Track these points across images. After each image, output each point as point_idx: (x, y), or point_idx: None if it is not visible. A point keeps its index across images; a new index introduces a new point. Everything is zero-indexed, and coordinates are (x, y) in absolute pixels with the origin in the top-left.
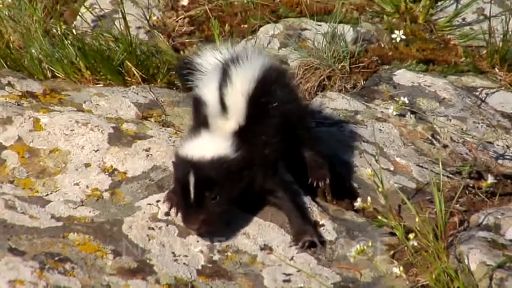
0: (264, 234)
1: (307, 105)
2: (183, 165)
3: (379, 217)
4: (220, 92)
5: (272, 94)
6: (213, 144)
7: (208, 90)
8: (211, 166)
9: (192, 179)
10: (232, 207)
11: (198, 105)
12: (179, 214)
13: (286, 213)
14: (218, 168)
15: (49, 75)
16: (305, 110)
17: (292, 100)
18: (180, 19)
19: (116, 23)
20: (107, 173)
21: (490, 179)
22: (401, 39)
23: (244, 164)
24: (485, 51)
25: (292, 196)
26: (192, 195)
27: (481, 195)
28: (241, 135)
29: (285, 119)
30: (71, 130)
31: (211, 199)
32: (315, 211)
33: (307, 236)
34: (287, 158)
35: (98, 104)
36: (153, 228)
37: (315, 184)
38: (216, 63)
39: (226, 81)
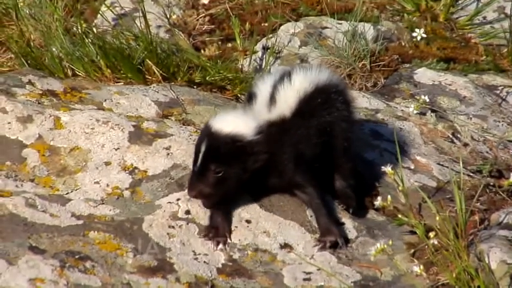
0: (284, 233)
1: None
2: (203, 132)
3: (400, 216)
4: (274, 87)
5: (327, 103)
6: (237, 122)
7: (263, 86)
8: (224, 140)
9: (203, 148)
10: (239, 189)
11: (248, 100)
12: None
13: (313, 210)
14: (230, 144)
15: (69, 73)
16: (352, 140)
17: (344, 121)
18: (201, 17)
19: (136, 21)
20: (127, 172)
21: (511, 178)
22: (421, 38)
23: (260, 149)
24: (505, 50)
25: (321, 194)
26: (198, 163)
27: (502, 193)
28: (278, 126)
29: (330, 133)
30: (92, 128)
31: (215, 172)
32: (335, 209)
33: (331, 236)
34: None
35: (118, 103)
36: (173, 227)
37: (339, 205)
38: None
39: (284, 79)
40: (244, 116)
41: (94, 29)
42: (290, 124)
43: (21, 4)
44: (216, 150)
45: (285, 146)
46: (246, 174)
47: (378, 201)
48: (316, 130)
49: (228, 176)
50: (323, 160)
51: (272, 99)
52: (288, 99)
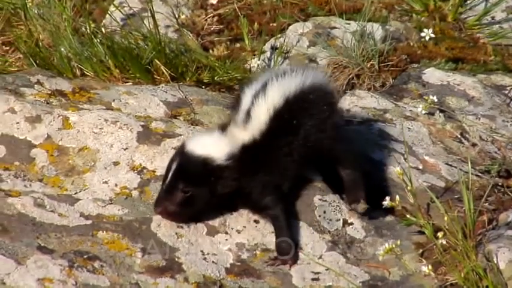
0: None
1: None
2: (178, 150)
3: (408, 216)
4: (251, 101)
5: (301, 114)
6: (211, 144)
7: (247, 95)
8: (195, 161)
9: (174, 166)
10: (207, 209)
11: (234, 106)
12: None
13: (275, 230)
14: (200, 166)
15: (78, 73)
16: (340, 131)
17: (326, 124)
18: (209, 17)
19: (145, 21)
20: (135, 171)
21: None
22: (430, 38)
23: (229, 174)
24: None
25: (286, 216)
26: (167, 181)
27: (510, 194)
28: (250, 150)
29: (311, 141)
30: (100, 128)
31: (182, 191)
32: (343, 209)
33: (284, 256)
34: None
35: (126, 103)
36: (181, 227)
37: (350, 207)
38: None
39: (260, 92)
40: (219, 137)
41: (102, 29)
42: (260, 148)
43: (30, 4)
44: (186, 170)
45: (254, 172)
46: (214, 197)
47: (386, 201)
48: (290, 147)
49: (195, 197)
50: (321, 162)
51: (248, 117)
52: (260, 118)
